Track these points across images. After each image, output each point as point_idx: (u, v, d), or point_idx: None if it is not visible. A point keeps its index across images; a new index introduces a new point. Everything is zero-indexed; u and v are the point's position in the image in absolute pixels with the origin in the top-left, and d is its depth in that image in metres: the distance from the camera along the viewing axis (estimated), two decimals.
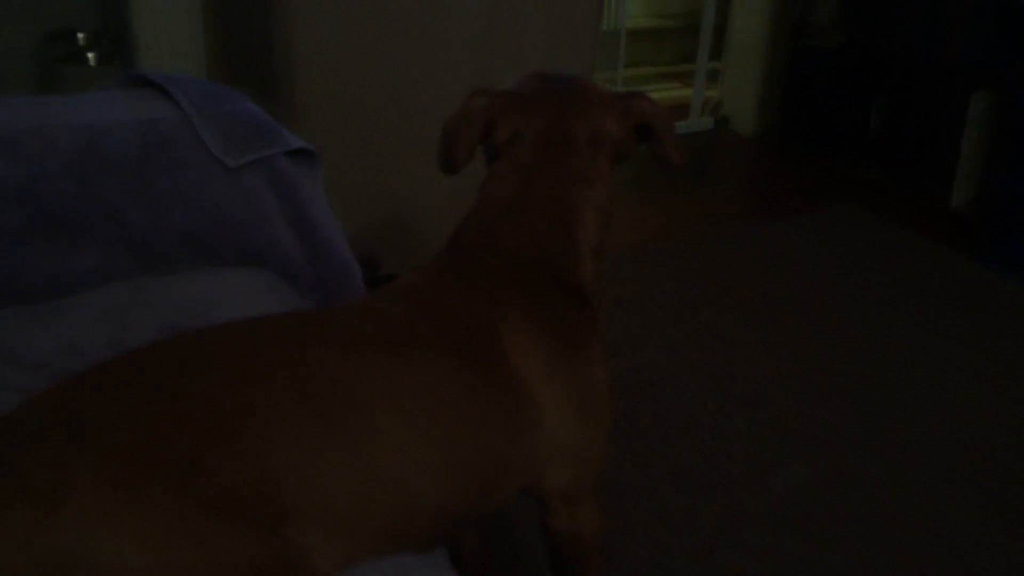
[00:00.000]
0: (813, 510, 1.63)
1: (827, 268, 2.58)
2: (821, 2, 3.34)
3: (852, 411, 1.93)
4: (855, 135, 3.27)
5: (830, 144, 3.37)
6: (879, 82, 3.14)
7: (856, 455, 1.79)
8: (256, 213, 1.26)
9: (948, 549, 1.55)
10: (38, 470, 0.68)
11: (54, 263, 1.11)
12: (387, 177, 2.22)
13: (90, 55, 3.07)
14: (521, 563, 1.48)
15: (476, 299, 0.97)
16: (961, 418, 1.92)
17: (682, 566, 1.49)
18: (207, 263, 1.22)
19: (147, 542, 0.67)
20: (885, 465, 1.76)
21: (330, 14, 2.00)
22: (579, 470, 1.03)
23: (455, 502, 0.87)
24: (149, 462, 0.70)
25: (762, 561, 1.50)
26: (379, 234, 2.24)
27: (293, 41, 1.99)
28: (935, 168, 3.00)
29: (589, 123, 1.08)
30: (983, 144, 2.91)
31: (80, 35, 3.20)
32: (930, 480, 1.73)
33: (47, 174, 1.12)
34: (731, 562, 1.50)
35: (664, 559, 1.50)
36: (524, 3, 2.24)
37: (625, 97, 1.11)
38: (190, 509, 0.69)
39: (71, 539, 0.65)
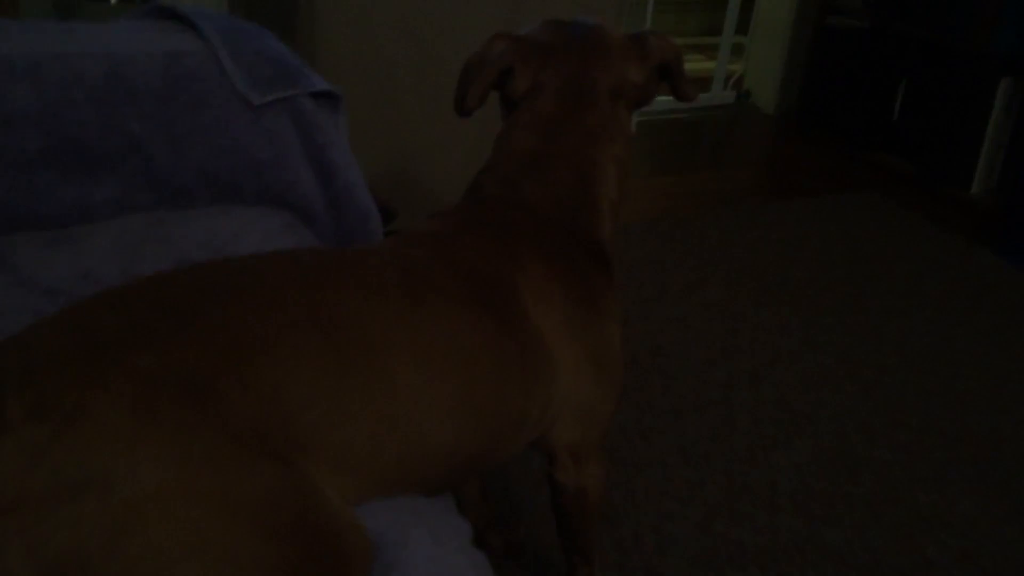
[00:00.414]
0: (815, 488, 1.63)
1: (843, 251, 2.57)
2: None
3: (860, 394, 1.92)
4: (877, 119, 3.23)
5: (851, 126, 3.33)
6: (904, 66, 3.10)
7: (861, 437, 1.79)
8: (278, 153, 1.24)
9: (948, 532, 1.55)
10: (55, 388, 0.67)
11: (73, 191, 1.10)
12: (406, 128, 2.20)
13: None
14: (522, 521, 1.49)
15: (496, 250, 0.96)
16: (970, 406, 1.92)
17: (682, 534, 1.49)
18: (226, 200, 1.21)
19: (163, 464, 0.66)
20: (890, 448, 1.76)
21: None
22: (589, 426, 1.03)
23: (467, 449, 0.87)
24: (167, 385, 0.69)
25: (761, 534, 1.51)
26: (395, 185, 2.22)
27: None
28: (957, 156, 2.97)
29: (610, 73, 1.06)
30: (1008, 133, 2.88)
31: None
32: (934, 465, 1.73)
33: (69, 101, 1.10)
34: (731, 533, 1.50)
35: (665, 525, 1.50)
36: None
37: (640, 39, 1.10)
38: (206, 434, 0.69)
39: (87, 457, 0.65)
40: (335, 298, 0.81)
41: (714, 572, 1.42)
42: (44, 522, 0.63)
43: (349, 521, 0.75)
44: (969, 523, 1.58)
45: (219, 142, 1.20)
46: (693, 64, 4.18)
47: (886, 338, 2.14)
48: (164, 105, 1.16)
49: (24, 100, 1.08)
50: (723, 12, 3.69)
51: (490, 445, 0.90)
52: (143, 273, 1.04)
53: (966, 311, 2.30)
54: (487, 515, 1.38)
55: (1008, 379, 2.02)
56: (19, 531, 0.63)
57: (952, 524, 1.58)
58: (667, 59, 1.09)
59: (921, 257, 2.57)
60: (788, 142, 3.46)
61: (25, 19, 2.52)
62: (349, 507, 0.77)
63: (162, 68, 1.18)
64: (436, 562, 0.79)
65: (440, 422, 0.84)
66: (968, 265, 2.55)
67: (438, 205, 2.31)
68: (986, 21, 2.81)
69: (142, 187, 1.14)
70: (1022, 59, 2.74)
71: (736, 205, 2.81)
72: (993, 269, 2.53)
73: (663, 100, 3.68)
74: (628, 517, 1.51)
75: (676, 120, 3.56)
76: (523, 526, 1.48)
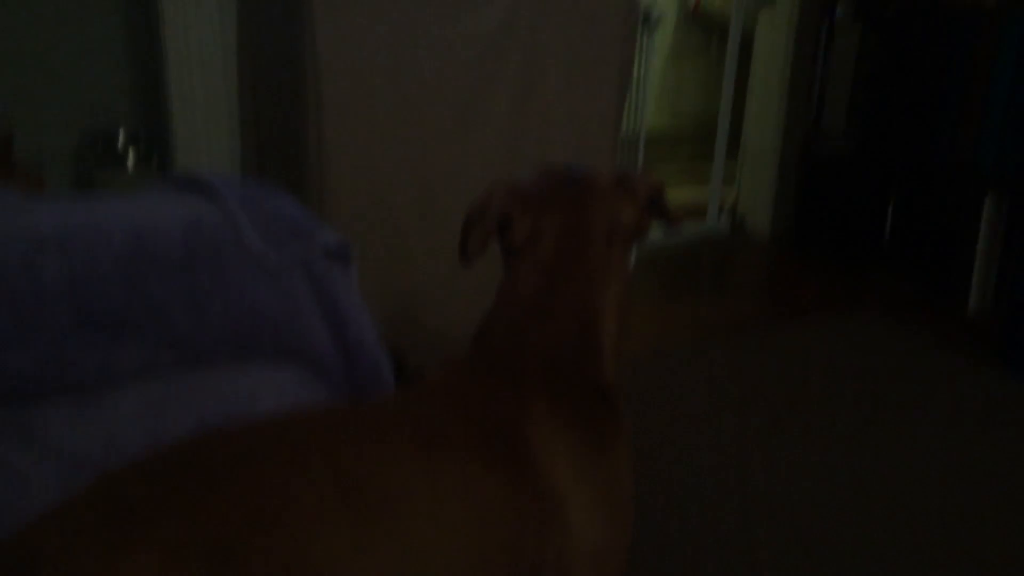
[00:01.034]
0: None
1: (850, 374, 2.59)
2: (831, 109, 3.44)
3: (880, 522, 1.91)
4: (871, 238, 3.32)
5: (846, 247, 3.41)
6: (891, 186, 3.21)
7: (882, 566, 1.76)
8: (293, 310, 1.29)
9: None
10: (87, 557, 0.70)
11: (98, 357, 1.14)
12: (412, 272, 2.27)
13: (128, 158, 3.18)
14: None
15: (504, 399, 0.99)
16: (987, 527, 1.89)
17: None
18: (244, 358, 1.25)
19: None
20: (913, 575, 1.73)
21: (362, 117, 2.09)
22: (603, 570, 1.03)
23: None
24: (192, 554, 0.72)
25: None
26: (406, 329, 2.27)
27: (324, 141, 2.07)
28: (951, 272, 3.03)
29: (604, 216, 1.12)
30: (998, 247, 2.94)
31: (119, 139, 3.33)
32: None
33: (97, 271, 1.16)
34: None
35: None
36: (549, 110, 2.33)
37: (627, 180, 1.16)
38: None
39: None
40: (352, 458, 0.84)
41: None
42: None
43: None
44: None
45: (237, 303, 1.25)
46: (686, 192, 4.31)
47: (901, 462, 2.14)
48: (185, 271, 1.22)
49: (54, 273, 1.14)
50: (712, 142, 3.84)
51: None
52: (166, 436, 1.07)
53: (978, 429, 2.30)
54: None
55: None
56: None
57: None
58: (653, 195, 1.16)
59: (927, 376, 2.59)
60: (786, 265, 3.54)
61: (53, 195, 2.64)
62: None
63: (183, 235, 1.25)
64: None
65: (457, 573, 0.85)
66: (974, 382, 2.56)
67: (446, 345, 2.37)
68: (967, 138, 2.93)
69: (164, 350, 1.19)
70: (1005, 173, 2.83)
71: (741, 331, 2.85)
72: (999, 385, 2.54)
73: (657, 231, 3.79)
74: None
75: (675, 249, 3.65)
76: None
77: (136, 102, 3.37)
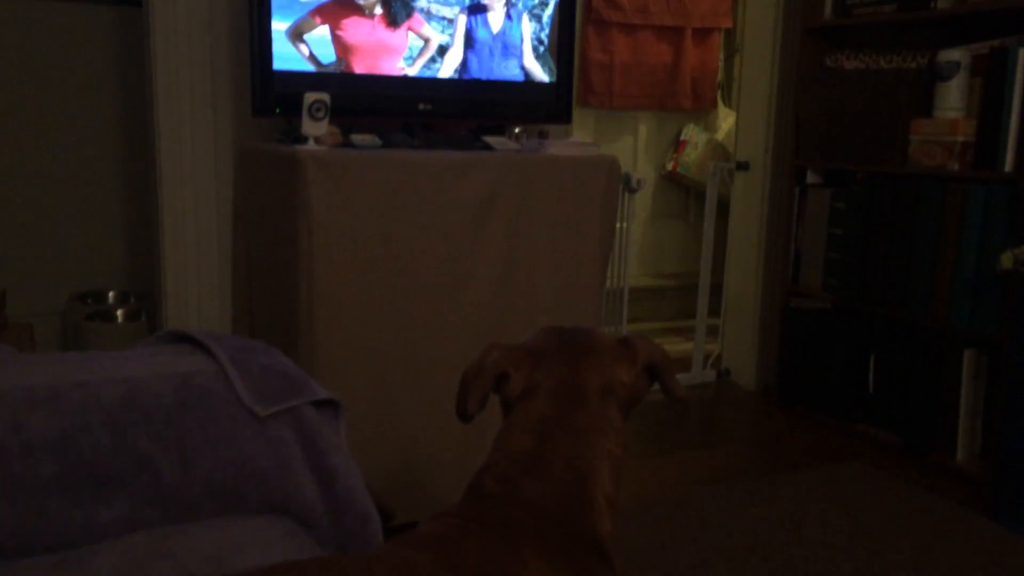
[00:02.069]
0: None
1: (843, 526, 2.55)
2: (807, 267, 3.55)
3: None
4: (855, 391, 3.34)
5: (830, 400, 3.44)
6: (871, 341, 3.26)
7: None
8: (281, 461, 1.29)
9: None
10: None
11: (81, 513, 1.13)
12: (401, 429, 2.27)
13: (118, 313, 3.23)
14: None
15: (499, 553, 0.98)
16: None
17: None
18: (230, 511, 1.24)
19: None
20: None
21: (353, 275, 2.15)
22: None
23: None
24: None
25: None
26: (393, 484, 2.24)
27: (314, 299, 2.12)
28: (937, 424, 3.04)
29: (600, 374, 1.15)
30: (981, 400, 2.97)
31: (108, 298, 3.39)
32: None
33: (86, 426, 1.17)
34: None
35: None
36: (535, 270, 2.41)
37: (628, 343, 1.20)
38: None
39: None
40: None
41: None
42: None
43: None
44: None
45: (226, 454, 1.25)
46: (672, 346, 4.37)
47: None
48: (175, 423, 1.23)
49: (42, 427, 1.14)
50: (694, 297, 3.93)
51: None
52: None
53: None
54: None
55: None
56: None
57: None
58: (654, 360, 1.19)
59: (921, 528, 2.55)
60: (773, 417, 3.54)
61: (44, 351, 2.66)
62: None
63: (174, 388, 1.26)
64: None
65: None
66: (969, 534, 2.52)
67: (436, 501, 2.33)
68: (941, 297, 3.00)
69: (149, 503, 1.18)
70: (980, 333, 2.89)
71: (731, 483, 2.82)
72: (994, 537, 2.51)
73: None
74: None
75: (662, 401, 3.65)
76: None
77: (128, 261, 3.45)
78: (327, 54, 2.36)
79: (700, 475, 2.90)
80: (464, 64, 2.53)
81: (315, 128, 2.19)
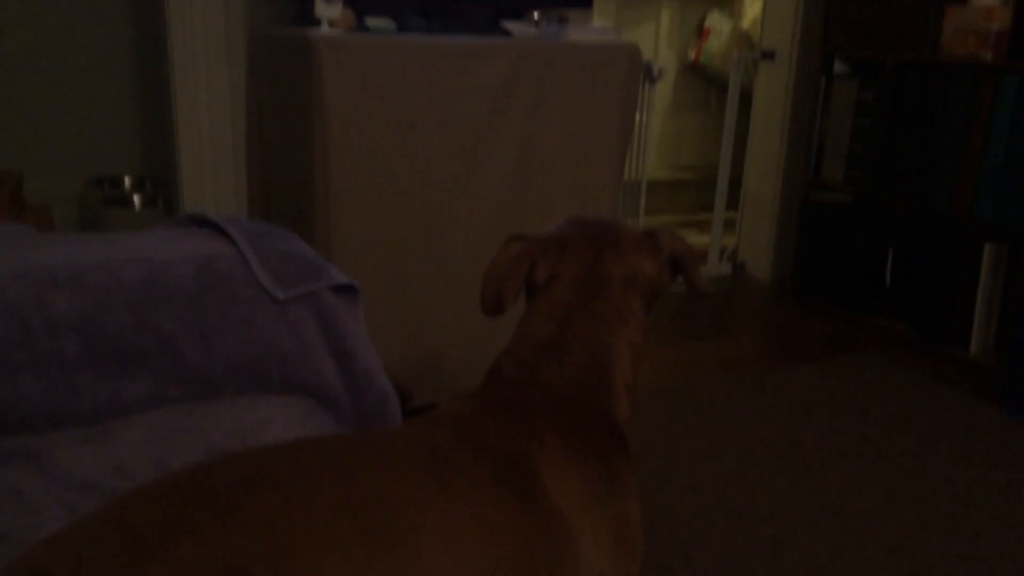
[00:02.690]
0: None
1: (853, 414, 2.59)
2: (830, 159, 3.49)
3: (885, 557, 1.90)
4: (871, 284, 3.34)
5: (846, 293, 3.44)
6: (891, 235, 3.24)
7: None
8: (300, 344, 1.31)
9: None
10: None
11: (107, 388, 1.16)
12: (417, 315, 2.29)
13: (135, 198, 3.24)
14: None
15: (517, 432, 1.00)
16: (997, 568, 1.88)
17: None
18: (252, 390, 1.26)
19: None
20: None
21: (366, 163, 2.13)
22: None
23: None
24: (208, 574, 0.72)
25: None
26: (410, 366, 2.29)
27: (331, 183, 2.11)
28: (952, 318, 3.04)
29: (623, 264, 1.16)
30: (999, 294, 2.96)
31: (125, 183, 3.39)
32: None
33: (108, 305, 1.18)
34: None
35: None
36: (552, 159, 2.38)
37: (654, 235, 1.19)
38: None
39: None
40: (364, 483, 0.85)
41: None
42: None
43: None
44: None
45: (246, 336, 1.27)
46: (689, 239, 4.35)
47: (905, 500, 2.13)
48: (196, 305, 1.24)
49: (66, 306, 1.16)
50: (713, 190, 3.89)
51: None
52: (175, 465, 1.08)
53: (982, 470, 2.29)
54: None
55: None
56: None
57: None
58: (678, 253, 1.19)
59: (930, 417, 2.59)
60: (786, 310, 3.56)
61: (64, 233, 2.68)
62: None
63: (194, 271, 1.27)
64: None
65: None
66: (977, 423, 2.56)
67: (451, 384, 2.38)
68: (964, 191, 2.96)
69: (173, 381, 1.20)
70: (1003, 226, 2.86)
71: (742, 372, 2.86)
72: (1002, 426, 2.54)
73: None
74: None
75: (676, 292, 3.67)
76: None
77: (143, 147, 3.43)
78: None
79: (712, 364, 2.94)
80: None
81: (328, 10, 2.13)
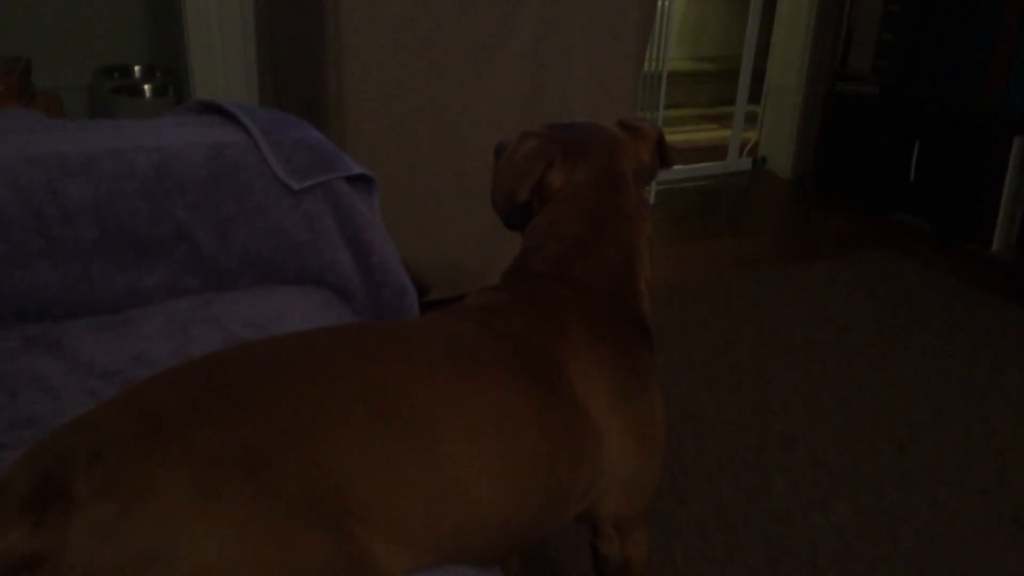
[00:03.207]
0: (856, 549, 1.62)
1: (869, 311, 2.58)
2: (857, 50, 3.37)
3: (896, 452, 1.92)
4: (894, 180, 3.28)
5: (868, 188, 3.38)
6: (917, 128, 3.16)
7: (900, 495, 1.78)
8: (316, 234, 1.30)
9: None
10: (121, 466, 0.70)
11: (126, 277, 1.16)
12: (432, 205, 2.27)
13: (145, 87, 3.18)
14: None
15: (545, 325, 0.99)
16: (1009, 463, 1.90)
17: None
18: (269, 281, 1.26)
19: (225, 538, 0.69)
20: (929, 505, 1.75)
21: (382, 49, 2.07)
22: (634, 498, 1.05)
23: (517, 520, 0.89)
24: (225, 461, 0.72)
25: None
26: (425, 260, 2.28)
27: (344, 74, 2.05)
28: (976, 214, 3.00)
29: (631, 160, 1.18)
30: None
31: (135, 72, 3.33)
32: (976, 523, 1.71)
33: (122, 193, 1.17)
34: None
35: None
36: (570, 47, 2.30)
37: (634, 125, 1.22)
38: (265, 508, 0.71)
39: (152, 533, 0.67)
40: (384, 372, 0.85)
41: None
42: None
43: None
44: None
45: (261, 226, 1.26)
46: (709, 133, 4.27)
47: (919, 396, 2.14)
48: (210, 194, 1.23)
49: (80, 194, 1.15)
50: (734, 82, 3.78)
51: (539, 517, 0.92)
52: (194, 353, 1.08)
53: (997, 366, 2.29)
54: None
55: None
56: None
57: None
58: (657, 136, 1.23)
59: (948, 314, 2.58)
60: (806, 206, 3.50)
61: (78, 119, 2.64)
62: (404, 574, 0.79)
63: (207, 159, 1.25)
64: None
65: (491, 492, 0.85)
66: (995, 320, 2.55)
67: (463, 280, 2.38)
68: (995, 82, 2.87)
69: (190, 271, 1.20)
70: None
71: (758, 269, 2.84)
72: (1021, 324, 2.53)
73: (681, 170, 3.75)
74: None
75: (694, 188, 3.62)
76: None
77: (153, 35, 3.35)
78: None
79: (728, 261, 2.92)
80: None
81: None
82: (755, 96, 3.87)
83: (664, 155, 1.24)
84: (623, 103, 2.45)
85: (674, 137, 4.14)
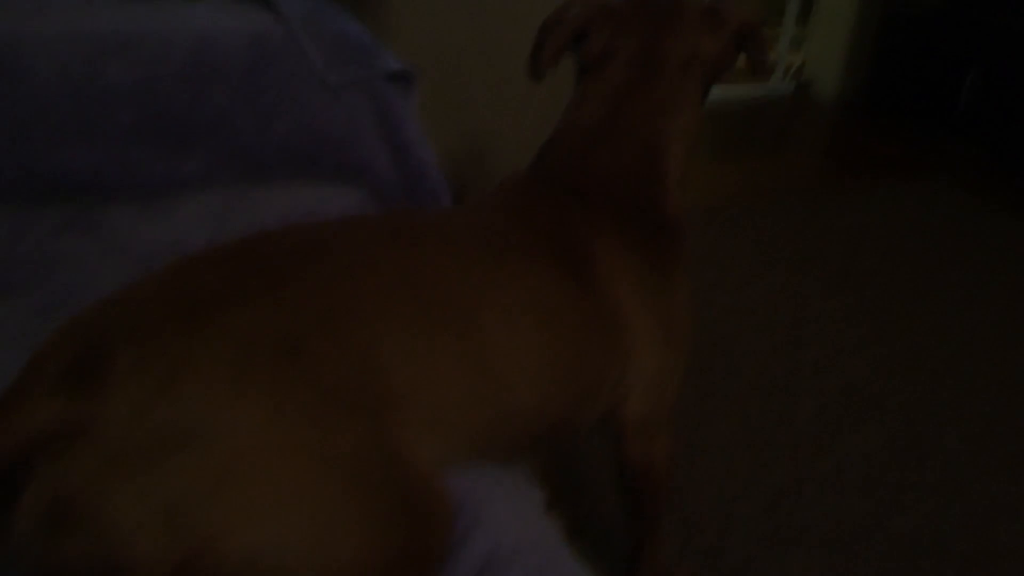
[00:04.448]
0: (883, 475, 1.62)
1: (911, 240, 2.52)
2: None
3: (929, 383, 1.90)
4: (949, 104, 3.17)
5: (921, 112, 3.27)
6: (975, 52, 3.03)
7: (930, 426, 1.76)
8: (353, 130, 1.27)
9: (1020, 521, 1.53)
10: (159, 342, 0.69)
11: (163, 164, 1.14)
12: (472, 109, 2.23)
13: None
14: (585, 498, 1.50)
15: (571, 217, 0.97)
16: None
17: (747, 515, 1.49)
18: (304, 176, 1.24)
19: (259, 420, 0.68)
20: (959, 438, 1.73)
21: None
22: (658, 399, 1.04)
23: (551, 410, 0.88)
24: (263, 342, 0.71)
25: (827, 519, 1.50)
26: (462, 164, 2.25)
27: None
28: None
29: (683, 43, 1.05)
30: None
31: None
32: (1004, 455, 1.69)
33: (158, 77, 1.14)
34: (796, 517, 1.50)
35: (729, 507, 1.50)
36: None
37: (716, 8, 1.08)
38: (300, 391, 0.71)
39: (189, 410, 0.67)
40: (422, 258, 0.83)
41: (778, 553, 1.42)
42: (149, 472, 0.65)
43: (435, 479, 0.77)
44: None
45: (299, 119, 1.23)
46: None
47: (955, 328, 2.11)
48: (248, 82, 1.20)
49: (116, 75, 1.12)
50: (779, 4, 3.64)
51: (570, 407, 0.92)
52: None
53: None
54: (553, 487, 1.40)
55: None
56: (125, 479, 0.65)
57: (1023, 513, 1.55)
58: (746, 27, 1.07)
59: (990, 246, 2.51)
60: (852, 130, 3.41)
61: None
62: (437, 466, 0.78)
63: (246, 48, 1.21)
64: (519, 521, 0.80)
65: (526, 380, 0.85)
66: None
67: (499, 174, 2.33)
68: None
69: (228, 160, 1.18)
70: None
71: (799, 193, 2.78)
72: None
73: (721, 89, 3.65)
74: (691, 499, 1.52)
75: (734, 109, 3.53)
76: (587, 503, 1.49)
77: None
78: None
79: (768, 184, 2.86)
80: None
81: None
82: (801, 18, 3.73)
83: (753, 54, 1.08)
84: None
85: None
